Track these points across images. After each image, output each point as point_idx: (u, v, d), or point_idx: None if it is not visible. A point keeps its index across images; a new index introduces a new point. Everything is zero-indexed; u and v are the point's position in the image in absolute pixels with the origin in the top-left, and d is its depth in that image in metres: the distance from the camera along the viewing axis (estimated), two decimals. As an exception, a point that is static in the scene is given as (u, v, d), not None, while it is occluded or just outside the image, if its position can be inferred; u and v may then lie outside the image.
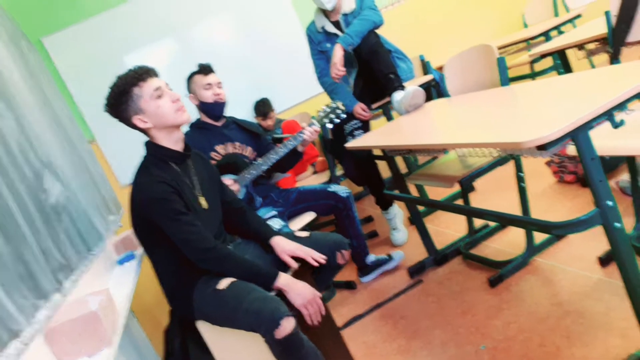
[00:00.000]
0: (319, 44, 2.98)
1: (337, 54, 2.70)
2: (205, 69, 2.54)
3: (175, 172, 1.85)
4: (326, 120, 2.57)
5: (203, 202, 1.90)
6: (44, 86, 2.45)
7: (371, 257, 2.78)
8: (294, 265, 1.93)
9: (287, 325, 1.57)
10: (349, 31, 2.72)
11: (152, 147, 1.85)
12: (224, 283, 1.74)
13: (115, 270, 2.18)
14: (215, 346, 1.85)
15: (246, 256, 1.90)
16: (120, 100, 1.77)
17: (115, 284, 1.96)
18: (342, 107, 2.57)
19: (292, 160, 2.62)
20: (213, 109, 2.56)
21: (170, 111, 1.79)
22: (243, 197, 2.53)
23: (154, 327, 2.69)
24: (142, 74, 1.78)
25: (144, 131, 1.85)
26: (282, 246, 1.97)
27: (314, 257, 1.91)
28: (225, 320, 1.73)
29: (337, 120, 2.59)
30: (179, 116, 1.81)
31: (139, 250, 2.37)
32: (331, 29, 2.91)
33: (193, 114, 2.44)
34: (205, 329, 1.83)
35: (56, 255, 1.45)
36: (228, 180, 2.47)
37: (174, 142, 1.86)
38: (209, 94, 2.52)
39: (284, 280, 1.76)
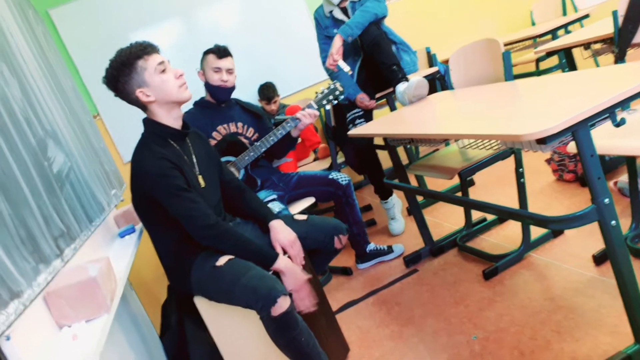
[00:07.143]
0: (326, 29, 2.97)
1: (336, 44, 2.69)
2: (220, 52, 2.51)
3: (175, 149, 1.85)
4: (324, 102, 2.53)
5: (201, 180, 1.90)
6: (50, 57, 2.45)
7: (371, 246, 2.79)
8: (281, 253, 1.90)
9: (284, 303, 1.60)
10: (349, 22, 2.71)
11: (151, 124, 1.84)
12: (222, 260, 1.76)
13: (116, 242, 2.19)
14: (212, 322, 1.88)
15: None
16: (124, 72, 1.74)
17: (114, 254, 1.97)
18: (341, 89, 2.54)
19: (287, 145, 2.61)
20: (216, 92, 2.56)
21: (174, 86, 1.79)
22: (242, 179, 2.54)
23: (151, 302, 2.72)
24: (146, 47, 1.76)
25: (143, 106, 1.83)
26: (278, 234, 1.94)
27: (299, 260, 1.90)
28: (223, 295, 1.74)
29: (335, 102, 2.56)
30: (182, 92, 1.81)
31: (140, 224, 2.39)
32: (339, 15, 2.90)
33: (198, 91, 2.46)
34: (202, 305, 1.86)
35: (57, 222, 1.47)
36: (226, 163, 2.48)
37: (173, 119, 1.85)
38: (215, 77, 2.52)
39: (283, 264, 1.78)
